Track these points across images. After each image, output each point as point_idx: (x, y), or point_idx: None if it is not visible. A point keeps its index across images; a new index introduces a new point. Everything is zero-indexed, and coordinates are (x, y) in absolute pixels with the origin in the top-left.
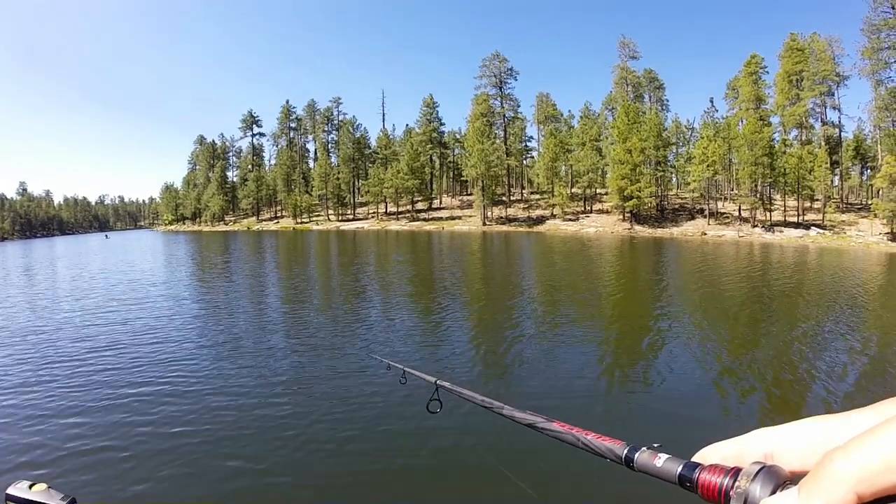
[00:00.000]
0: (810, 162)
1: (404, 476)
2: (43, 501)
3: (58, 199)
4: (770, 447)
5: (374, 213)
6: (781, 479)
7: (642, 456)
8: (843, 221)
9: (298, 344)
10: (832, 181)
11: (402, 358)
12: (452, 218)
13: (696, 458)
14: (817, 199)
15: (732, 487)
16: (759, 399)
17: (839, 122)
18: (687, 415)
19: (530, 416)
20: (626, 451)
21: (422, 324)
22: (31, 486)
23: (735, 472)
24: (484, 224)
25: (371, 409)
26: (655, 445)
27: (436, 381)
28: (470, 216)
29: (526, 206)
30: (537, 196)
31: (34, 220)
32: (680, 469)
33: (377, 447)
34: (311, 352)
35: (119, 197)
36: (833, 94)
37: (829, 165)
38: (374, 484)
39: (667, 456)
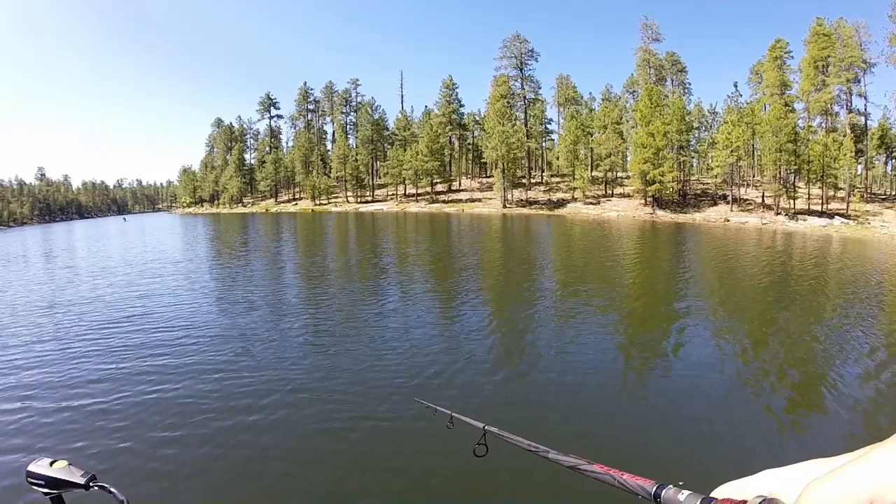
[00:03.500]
0: (836, 150)
1: None
2: (63, 478)
3: (76, 183)
4: (773, 485)
5: (392, 194)
6: None
7: (668, 493)
8: (868, 211)
9: (332, 373)
10: (857, 170)
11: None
12: (472, 200)
13: (713, 495)
14: (841, 189)
15: None
16: (782, 415)
17: (865, 109)
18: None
19: (573, 459)
20: (654, 489)
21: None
22: (52, 463)
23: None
24: (504, 207)
25: (416, 451)
26: (680, 483)
27: (484, 427)
28: (490, 198)
29: (546, 188)
30: (558, 179)
31: (53, 205)
32: (698, 503)
33: (420, 487)
34: (349, 391)
35: (137, 180)
36: (859, 82)
37: (854, 154)
38: None
39: (688, 492)
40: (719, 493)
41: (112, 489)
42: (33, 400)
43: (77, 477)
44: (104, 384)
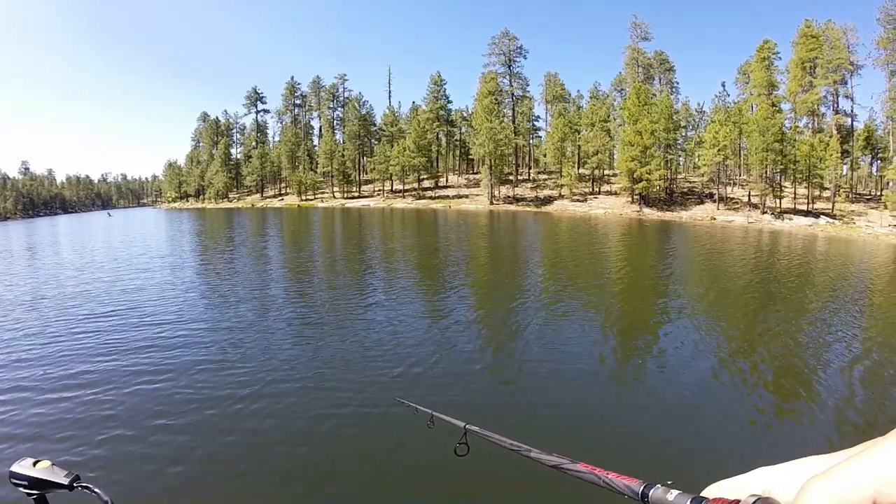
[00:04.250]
0: (822, 150)
1: None
2: (47, 478)
3: (60, 177)
4: (767, 483)
5: (379, 190)
6: None
7: (656, 492)
8: (853, 211)
9: (314, 372)
10: (842, 171)
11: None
12: (459, 196)
13: (703, 494)
14: (827, 189)
15: None
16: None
17: (851, 111)
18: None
19: (556, 458)
20: (642, 489)
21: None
22: (35, 464)
23: (735, 503)
24: (491, 203)
25: (396, 451)
26: (668, 483)
27: (465, 426)
28: (477, 195)
29: (533, 185)
30: (545, 176)
31: (36, 200)
32: (688, 503)
33: (402, 487)
34: (331, 388)
35: (122, 175)
36: (846, 83)
37: (840, 155)
38: None
39: (677, 492)
40: (710, 492)
41: (96, 489)
42: (16, 397)
43: (60, 477)
44: (88, 380)
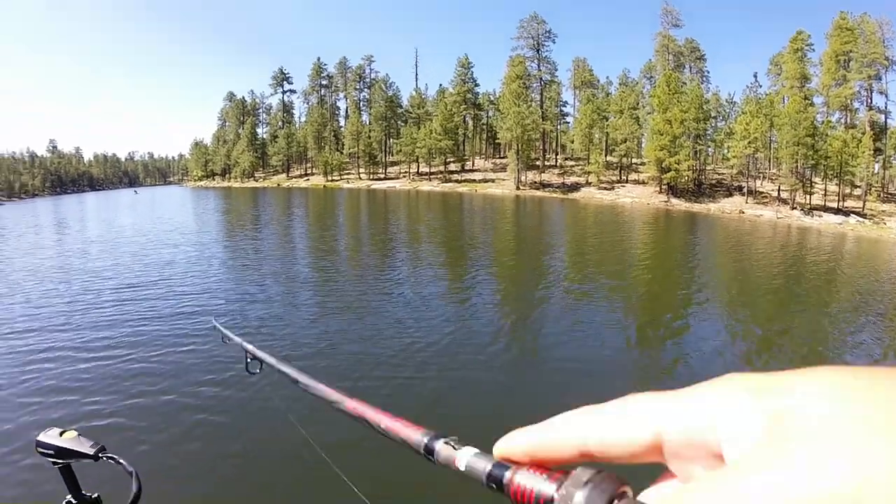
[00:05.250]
0: (854, 147)
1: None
2: (73, 448)
3: (88, 155)
4: (588, 438)
5: (405, 172)
6: (616, 490)
7: (443, 447)
8: (884, 211)
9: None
10: (874, 169)
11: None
12: (485, 180)
13: (497, 449)
14: (858, 187)
15: (555, 496)
16: None
17: (885, 107)
18: None
19: (336, 395)
20: (425, 441)
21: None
22: (61, 434)
23: (559, 478)
24: (517, 188)
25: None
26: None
27: (241, 343)
28: (503, 179)
29: (560, 172)
30: (572, 162)
31: (64, 177)
32: (490, 467)
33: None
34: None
35: (149, 153)
36: (881, 79)
37: (872, 152)
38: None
39: (474, 450)
40: (508, 449)
41: (121, 460)
42: (44, 366)
43: (86, 447)
44: (116, 350)
